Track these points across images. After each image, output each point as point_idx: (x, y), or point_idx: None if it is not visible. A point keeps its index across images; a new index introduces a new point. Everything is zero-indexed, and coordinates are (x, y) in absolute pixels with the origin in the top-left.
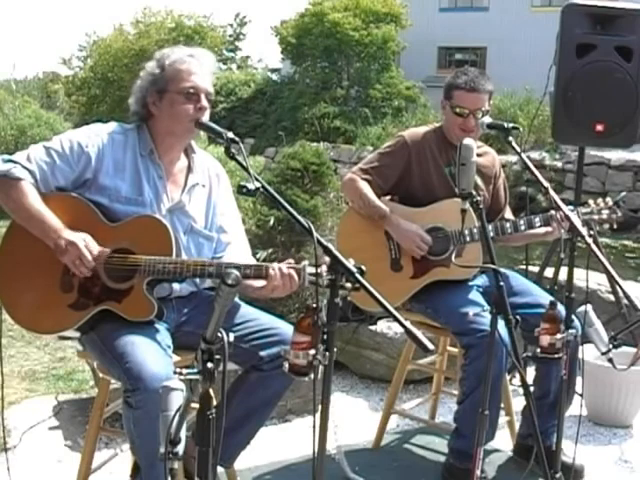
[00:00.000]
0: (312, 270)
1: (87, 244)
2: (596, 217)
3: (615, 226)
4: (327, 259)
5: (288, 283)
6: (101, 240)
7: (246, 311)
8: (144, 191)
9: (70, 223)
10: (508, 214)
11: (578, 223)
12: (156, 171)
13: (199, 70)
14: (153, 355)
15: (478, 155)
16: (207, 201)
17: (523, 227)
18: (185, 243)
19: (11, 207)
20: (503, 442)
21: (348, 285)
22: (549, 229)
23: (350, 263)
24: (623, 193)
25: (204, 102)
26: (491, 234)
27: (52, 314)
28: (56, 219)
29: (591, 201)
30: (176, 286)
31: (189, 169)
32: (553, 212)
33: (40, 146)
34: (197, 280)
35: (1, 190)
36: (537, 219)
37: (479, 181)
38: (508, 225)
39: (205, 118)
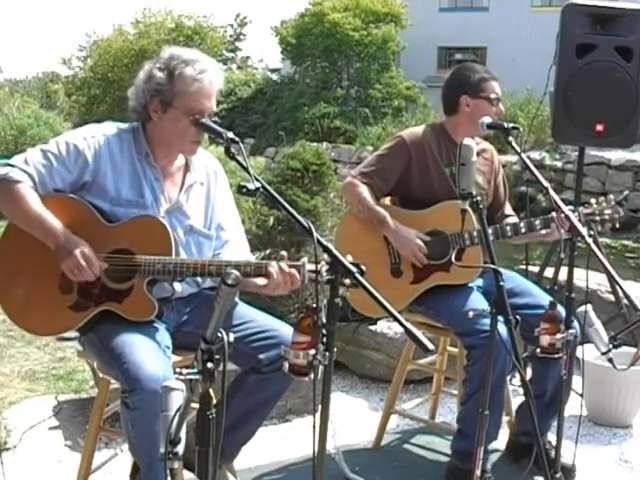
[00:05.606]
0: (311, 267)
1: (85, 255)
2: (598, 218)
3: (617, 225)
4: (325, 256)
5: (289, 281)
6: (100, 241)
7: (245, 312)
8: (145, 193)
9: (69, 224)
10: (508, 210)
11: (578, 223)
12: (152, 173)
13: (209, 91)
14: (151, 356)
15: (477, 153)
16: (206, 199)
17: (524, 230)
18: (185, 243)
19: (10, 210)
20: (503, 442)
21: (347, 281)
22: (549, 230)
23: (349, 259)
24: (626, 192)
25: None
26: (491, 237)
27: (52, 316)
28: (56, 222)
29: (593, 200)
30: (178, 287)
31: (187, 168)
32: (554, 214)
33: (37, 149)
34: (199, 280)
35: (0, 193)
36: (537, 222)
37: (480, 179)
38: (508, 228)
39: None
